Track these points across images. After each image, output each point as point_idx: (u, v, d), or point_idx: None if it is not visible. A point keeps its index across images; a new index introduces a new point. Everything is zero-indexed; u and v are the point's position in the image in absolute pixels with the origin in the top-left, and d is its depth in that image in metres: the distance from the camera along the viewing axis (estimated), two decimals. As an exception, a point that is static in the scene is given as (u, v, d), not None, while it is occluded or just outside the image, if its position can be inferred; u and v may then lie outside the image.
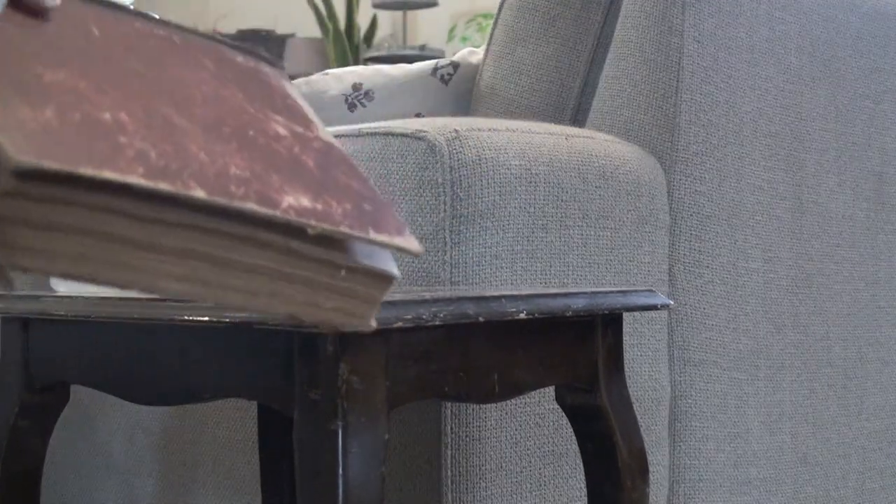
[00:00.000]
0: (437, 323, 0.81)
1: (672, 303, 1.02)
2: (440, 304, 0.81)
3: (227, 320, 0.80)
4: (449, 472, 1.11)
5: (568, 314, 0.91)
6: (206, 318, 0.81)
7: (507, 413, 1.14)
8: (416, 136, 1.14)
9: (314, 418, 0.77)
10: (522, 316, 0.87)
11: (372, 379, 0.79)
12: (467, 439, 1.11)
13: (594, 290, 0.95)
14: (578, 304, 0.91)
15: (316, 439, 0.77)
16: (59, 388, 1.02)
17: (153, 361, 0.91)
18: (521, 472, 1.15)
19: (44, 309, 0.95)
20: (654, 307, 0.99)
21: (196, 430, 1.36)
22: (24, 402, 1.00)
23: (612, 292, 0.95)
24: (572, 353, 0.97)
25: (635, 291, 0.98)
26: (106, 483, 1.46)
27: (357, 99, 1.63)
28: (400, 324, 0.78)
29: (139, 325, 0.91)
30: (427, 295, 0.85)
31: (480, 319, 0.84)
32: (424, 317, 0.80)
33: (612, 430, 0.98)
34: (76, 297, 0.93)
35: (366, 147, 1.18)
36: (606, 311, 0.95)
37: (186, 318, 0.83)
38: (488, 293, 0.88)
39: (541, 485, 1.16)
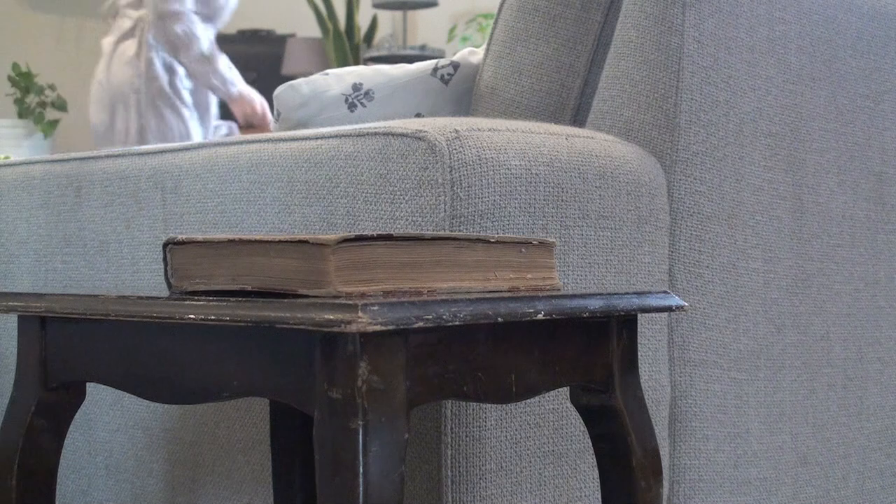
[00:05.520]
0: (456, 323, 0.81)
1: (687, 304, 1.02)
2: (460, 305, 0.82)
3: (248, 320, 0.80)
4: (449, 472, 1.11)
5: (585, 315, 0.91)
6: (228, 318, 0.82)
7: (507, 413, 1.14)
8: (416, 136, 1.14)
9: (335, 417, 0.78)
10: (541, 317, 0.87)
11: (392, 378, 0.79)
12: (467, 439, 1.11)
13: (610, 291, 0.95)
14: (595, 305, 0.92)
15: (336, 438, 0.78)
16: (75, 386, 1.02)
17: (171, 360, 0.92)
18: (521, 472, 1.15)
19: (61, 307, 0.95)
20: (668, 309, 0.99)
21: (196, 429, 1.36)
22: (40, 400, 1.00)
23: (627, 294, 0.96)
24: (587, 353, 0.97)
25: (650, 293, 0.98)
26: (106, 483, 1.47)
27: (357, 99, 1.63)
28: (420, 324, 0.79)
29: (158, 324, 0.91)
30: (445, 295, 0.85)
31: (500, 320, 0.84)
32: (445, 317, 0.80)
33: (627, 430, 0.98)
34: (94, 297, 0.93)
35: (366, 147, 1.18)
36: (622, 313, 0.95)
37: (206, 317, 0.83)
38: (506, 294, 0.88)
39: (541, 485, 1.16)
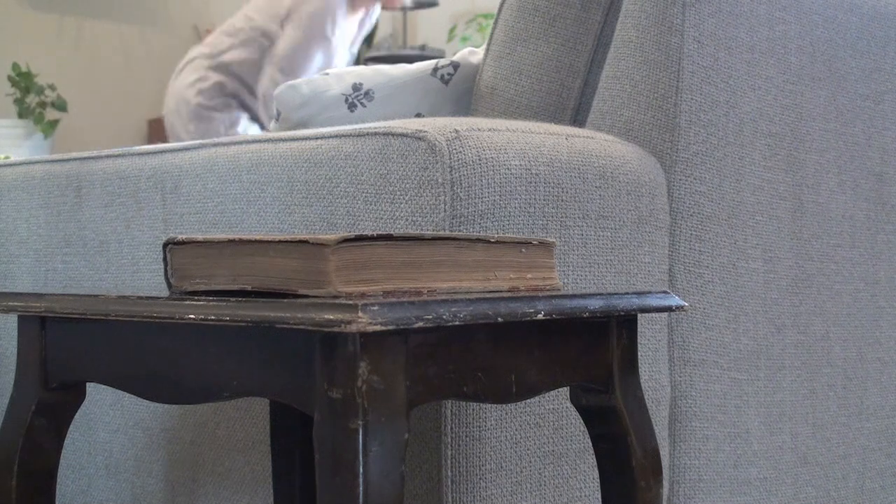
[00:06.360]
0: (456, 323, 0.81)
1: (686, 304, 1.02)
2: (460, 305, 0.82)
3: (248, 320, 0.81)
4: (449, 472, 1.11)
5: (585, 315, 0.91)
6: (228, 318, 0.82)
7: (507, 413, 1.14)
8: (416, 136, 1.14)
9: (335, 417, 0.78)
10: (541, 317, 0.87)
11: (392, 378, 0.79)
12: (467, 439, 1.11)
13: (610, 291, 0.95)
14: (595, 305, 0.92)
15: (336, 438, 0.78)
16: (74, 386, 1.02)
17: (172, 360, 0.92)
18: (521, 472, 1.15)
19: (61, 307, 0.95)
20: (669, 309, 0.99)
21: (196, 429, 1.36)
22: (40, 400, 1.01)
23: (627, 294, 0.96)
24: (587, 353, 0.97)
25: (651, 293, 0.98)
26: (106, 483, 1.47)
27: (357, 99, 1.63)
28: (420, 324, 0.79)
29: (158, 323, 0.91)
30: (445, 295, 0.85)
31: (500, 320, 0.84)
32: (445, 317, 0.80)
33: (627, 430, 0.98)
34: (94, 297, 0.93)
35: (366, 147, 1.18)
36: (622, 313, 0.95)
37: (206, 317, 0.83)
38: (506, 294, 0.88)
39: (541, 485, 1.16)
